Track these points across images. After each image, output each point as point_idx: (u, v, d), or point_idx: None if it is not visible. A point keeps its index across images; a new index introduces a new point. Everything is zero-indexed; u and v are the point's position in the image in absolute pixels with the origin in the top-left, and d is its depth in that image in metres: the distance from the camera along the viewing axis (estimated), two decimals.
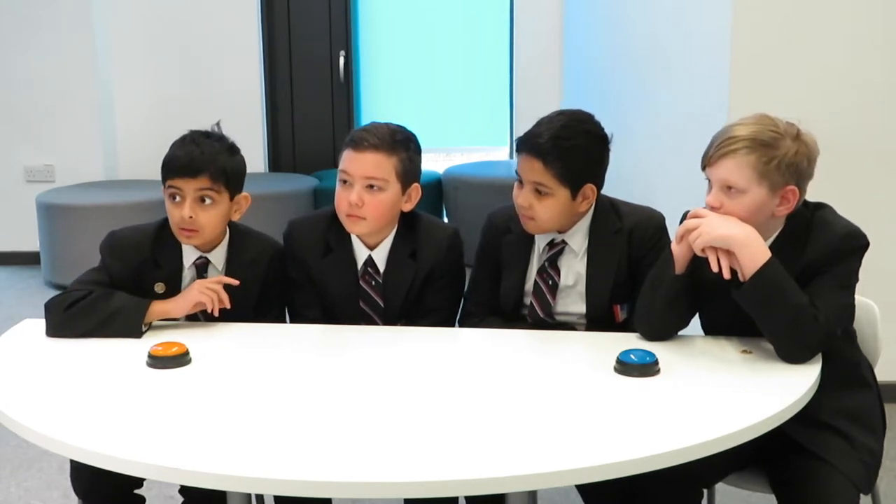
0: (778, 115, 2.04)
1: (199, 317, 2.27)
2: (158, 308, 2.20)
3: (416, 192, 2.33)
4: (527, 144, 2.22)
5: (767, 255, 1.95)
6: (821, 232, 2.02)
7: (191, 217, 2.22)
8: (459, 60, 6.15)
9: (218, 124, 2.36)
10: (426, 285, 2.35)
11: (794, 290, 1.94)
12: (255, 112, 5.87)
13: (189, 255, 2.31)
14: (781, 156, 1.96)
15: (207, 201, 2.25)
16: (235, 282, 2.27)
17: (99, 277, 2.27)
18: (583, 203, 2.24)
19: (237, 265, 2.32)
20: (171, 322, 2.25)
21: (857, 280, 2.04)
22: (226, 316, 2.26)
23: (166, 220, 2.33)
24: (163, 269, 2.28)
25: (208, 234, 2.28)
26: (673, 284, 2.06)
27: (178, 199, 2.25)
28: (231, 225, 2.36)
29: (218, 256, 2.33)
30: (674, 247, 2.06)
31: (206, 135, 2.31)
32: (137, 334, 2.15)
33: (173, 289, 2.28)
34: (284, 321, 2.42)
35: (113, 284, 2.25)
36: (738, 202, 1.99)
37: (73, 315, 2.16)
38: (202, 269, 2.31)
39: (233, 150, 2.32)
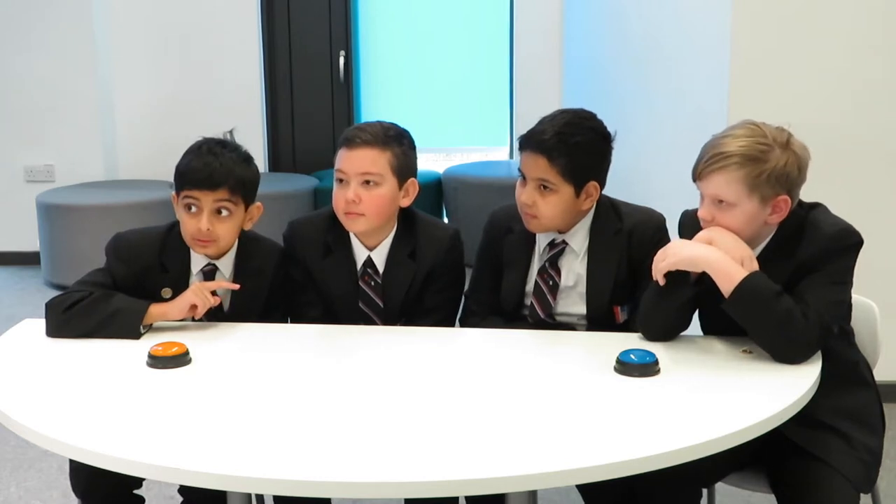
0: (769, 121, 2.03)
1: (204, 319, 2.27)
2: (156, 310, 2.19)
3: (413, 186, 2.33)
4: (531, 141, 2.22)
5: (742, 272, 1.95)
6: (813, 232, 2.02)
7: (208, 229, 2.22)
8: (459, 60, 6.14)
9: (231, 132, 2.35)
10: (426, 285, 2.35)
11: (776, 299, 1.94)
12: (255, 112, 5.87)
13: (197, 262, 2.30)
14: (771, 168, 1.96)
15: (224, 213, 2.24)
16: (235, 286, 2.27)
17: (102, 279, 2.26)
18: (586, 201, 2.24)
19: (245, 272, 2.32)
20: (171, 322, 2.25)
21: (851, 277, 2.03)
22: (233, 320, 2.27)
23: (174, 224, 2.32)
24: (170, 274, 2.27)
25: (223, 245, 2.28)
26: (683, 291, 2.06)
27: (193, 209, 2.24)
28: (240, 232, 2.35)
29: (226, 263, 2.32)
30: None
31: (221, 144, 2.30)
32: (136, 336, 2.15)
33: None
34: (287, 322, 2.42)
35: (116, 286, 2.25)
36: (729, 215, 2.00)
37: (72, 316, 2.15)
38: (210, 276, 2.30)
39: (249, 160, 2.32)
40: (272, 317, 2.35)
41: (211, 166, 2.23)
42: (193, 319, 2.25)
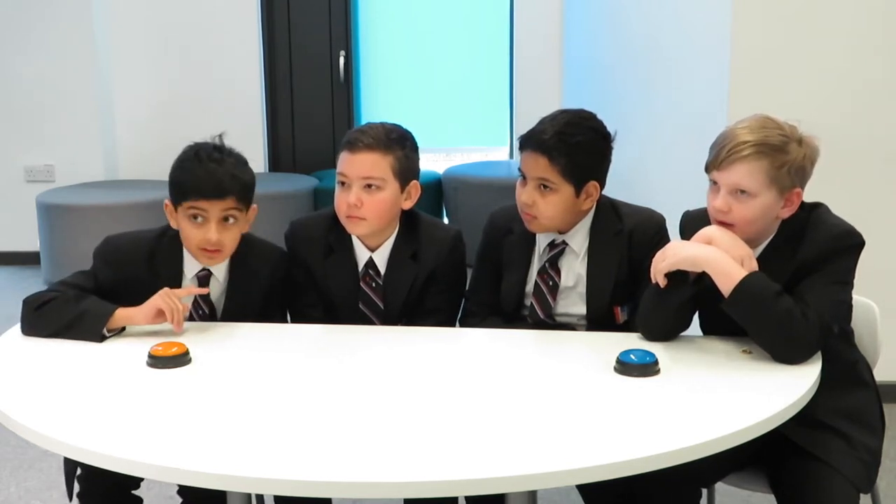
0: (778, 117, 2.04)
1: (195, 317, 2.26)
2: (122, 314, 2.12)
3: (415, 189, 2.33)
4: (531, 141, 2.22)
5: (741, 272, 1.95)
6: (815, 231, 2.03)
7: (218, 240, 2.17)
8: (459, 60, 6.15)
9: (221, 136, 2.28)
10: (427, 286, 2.35)
11: (776, 299, 1.94)
12: (255, 112, 5.87)
13: (191, 267, 2.26)
14: (791, 161, 1.97)
15: (231, 221, 2.19)
16: (204, 291, 2.23)
17: (83, 282, 2.22)
18: (586, 201, 2.24)
19: (240, 276, 2.28)
20: (170, 324, 2.25)
21: (853, 278, 2.04)
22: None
23: (167, 229, 2.27)
24: (162, 279, 2.20)
25: (228, 253, 2.23)
26: (683, 291, 2.06)
27: (199, 220, 2.17)
28: None
29: (220, 268, 2.27)
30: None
31: (218, 150, 2.22)
32: (97, 339, 2.09)
33: None
34: (285, 321, 2.41)
35: (99, 290, 2.20)
36: (747, 206, 1.99)
37: (42, 314, 2.13)
38: (204, 281, 2.26)
39: (245, 163, 2.26)
40: (271, 317, 2.33)
41: (216, 175, 2.16)
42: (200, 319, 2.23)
